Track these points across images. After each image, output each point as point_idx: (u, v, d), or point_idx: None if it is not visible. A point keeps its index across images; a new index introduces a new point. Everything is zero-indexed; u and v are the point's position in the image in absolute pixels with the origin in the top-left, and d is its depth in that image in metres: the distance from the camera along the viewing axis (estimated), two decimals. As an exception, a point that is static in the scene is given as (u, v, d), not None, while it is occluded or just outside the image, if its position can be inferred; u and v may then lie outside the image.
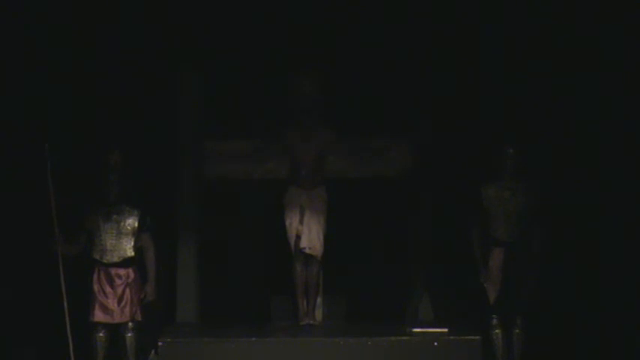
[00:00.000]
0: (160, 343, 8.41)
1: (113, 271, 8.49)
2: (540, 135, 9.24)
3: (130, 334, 8.47)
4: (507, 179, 8.75)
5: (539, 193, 8.73)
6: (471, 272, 8.74)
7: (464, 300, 9.04)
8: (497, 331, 8.65)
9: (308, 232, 9.22)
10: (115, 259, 8.50)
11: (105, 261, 8.50)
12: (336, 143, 9.41)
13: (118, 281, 8.48)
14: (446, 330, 8.61)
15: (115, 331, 8.50)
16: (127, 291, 8.47)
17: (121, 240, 8.51)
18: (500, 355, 8.65)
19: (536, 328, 8.76)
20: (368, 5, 9.38)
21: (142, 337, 8.54)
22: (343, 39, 9.46)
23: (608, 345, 8.92)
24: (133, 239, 8.54)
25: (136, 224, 8.55)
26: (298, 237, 9.25)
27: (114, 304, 8.45)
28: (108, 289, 8.47)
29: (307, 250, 9.24)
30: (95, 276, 8.50)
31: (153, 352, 8.51)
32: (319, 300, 9.45)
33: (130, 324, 8.47)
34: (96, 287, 8.47)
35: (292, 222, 9.27)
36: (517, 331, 8.65)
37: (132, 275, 8.52)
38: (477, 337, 8.48)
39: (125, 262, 8.51)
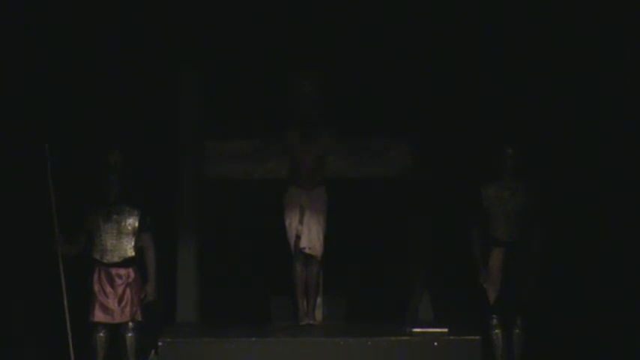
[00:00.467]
0: (160, 343, 8.41)
1: (113, 271, 8.49)
2: (540, 135, 9.24)
3: (130, 334, 8.47)
4: (507, 179, 8.75)
5: (539, 193, 8.73)
6: (471, 272, 8.74)
7: (464, 300, 9.04)
8: (497, 331, 8.65)
9: (308, 232, 9.22)
10: (116, 259, 8.50)
11: (105, 261, 8.50)
12: (336, 143, 9.41)
13: (118, 281, 8.48)
14: (446, 330, 8.61)
15: (115, 331, 8.50)
16: (128, 291, 8.48)
17: (122, 240, 8.52)
18: (500, 355, 8.65)
19: (536, 328, 8.76)
20: (368, 5, 9.38)
21: (142, 337, 8.54)
22: (343, 39, 9.46)
23: (608, 345, 8.92)
24: (133, 239, 8.54)
25: (137, 224, 8.55)
26: (298, 237, 9.25)
27: (114, 304, 8.45)
28: (108, 289, 8.47)
29: (307, 250, 9.24)
30: (95, 276, 8.50)
31: (153, 352, 8.51)
32: (319, 300, 9.45)
33: (131, 324, 8.47)
34: (96, 287, 8.48)
35: (292, 222, 9.27)
36: (517, 331, 8.65)
37: (132, 275, 8.52)
38: (477, 337, 8.48)
39: (125, 262, 8.51)
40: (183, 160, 9.61)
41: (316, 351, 8.47)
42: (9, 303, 8.99)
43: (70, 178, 8.78)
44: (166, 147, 9.53)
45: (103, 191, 8.56)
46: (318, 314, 9.45)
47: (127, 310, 8.46)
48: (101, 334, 8.46)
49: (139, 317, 8.50)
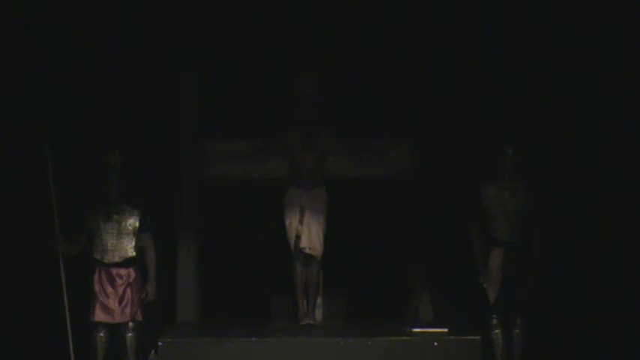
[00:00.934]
0: (160, 343, 8.40)
1: (114, 271, 8.49)
2: (540, 135, 9.24)
3: (130, 334, 8.47)
4: (507, 179, 8.75)
5: (539, 193, 8.74)
6: (471, 272, 8.74)
7: (464, 300, 9.04)
8: (497, 331, 8.65)
9: (308, 232, 9.22)
10: (116, 259, 8.50)
11: (106, 261, 8.50)
12: (336, 143, 9.41)
13: (118, 281, 8.49)
14: (446, 330, 8.61)
15: (116, 331, 8.50)
16: (128, 291, 8.48)
17: (122, 240, 8.52)
18: (500, 355, 8.65)
19: (536, 328, 8.76)
20: (368, 5, 9.38)
21: (142, 337, 8.54)
22: (343, 39, 9.46)
23: (608, 345, 8.92)
24: (133, 239, 8.54)
25: (137, 224, 8.55)
26: (298, 237, 9.25)
27: (115, 304, 8.45)
28: (109, 289, 8.48)
29: (307, 250, 9.24)
30: (96, 276, 8.50)
31: (153, 352, 8.51)
32: (319, 300, 9.45)
33: (131, 324, 8.47)
34: (97, 287, 8.48)
35: (292, 222, 9.27)
36: (517, 331, 8.65)
37: (133, 275, 8.52)
38: (477, 337, 8.47)
39: (126, 262, 8.51)
40: (183, 160, 9.61)
41: (316, 351, 8.47)
42: (9, 303, 8.99)
43: (70, 178, 8.78)
44: (166, 147, 9.53)
45: (103, 191, 8.56)
46: (318, 314, 9.45)
47: (128, 310, 8.46)
48: (101, 334, 8.46)
49: (139, 317, 8.50)
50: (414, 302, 9.57)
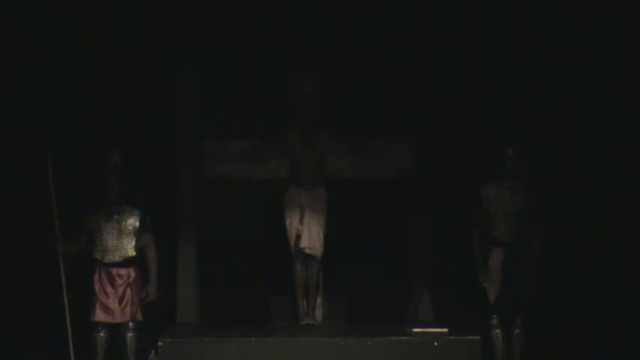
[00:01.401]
0: (160, 343, 8.41)
1: (114, 270, 8.49)
2: (540, 135, 9.24)
3: (130, 334, 8.47)
4: (507, 179, 8.75)
5: (539, 193, 8.74)
6: (471, 272, 8.74)
7: (464, 300, 9.04)
8: (497, 331, 8.65)
9: (308, 232, 9.22)
10: (116, 259, 8.50)
11: (106, 261, 8.50)
12: (336, 143, 9.41)
13: (119, 281, 8.49)
14: (446, 330, 8.61)
15: (116, 330, 8.50)
16: (128, 291, 8.48)
17: (122, 240, 8.52)
18: (500, 355, 8.65)
19: (536, 328, 8.76)
20: (368, 5, 9.38)
21: (142, 337, 8.54)
22: (343, 39, 9.46)
23: (608, 345, 8.92)
24: (134, 239, 8.54)
25: (137, 224, 8.55)
26: (298, 237, 9.25)
27: (115, 303, 8.45)
28: (109, 288, 8.48)
29: (307, 250, 9.24)
30: (96, 276, 8.50)
31: (153, 352, 8.51)
32: (319, 300, 9.45)
33: (131, 324, 8.47)
34: (97, 287, 8.48)
35: (292, 222, 9.27)
36: (517, 331, 8.66)
37: (133, 275, 8.52)
38: (477, 337, 8.48)
39: (126, 262, 8.51)
40: (183, 160, 9.61)
41: (316, 351, 8.47)
42: (9, 303, 8.99)
43: (70, 178, 8.78)
44: (166, 147, 9.53)
45: (103, 191, 8.56)
46: (318, 314, 9.45)
47: (128, 310, 8.46)
48: (101, 334, 8.46)
49: (139, 317, 8.50)
50: (414, 302, 9.57)
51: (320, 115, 9.37)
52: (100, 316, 8.44)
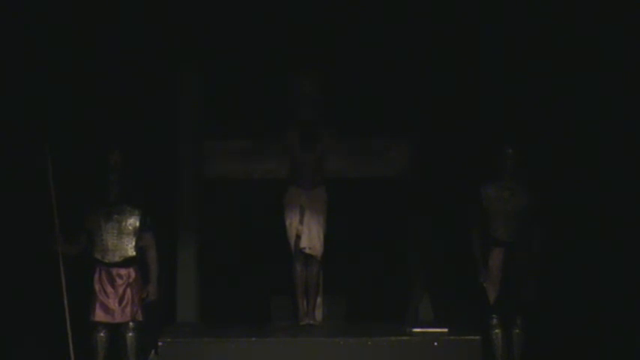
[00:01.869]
0: (160, 343, 8.41)
1: (114, 270, 8.50)
2: (540, 135, 9.24)
3: (130, 334, 8.47)
4: (507, 179, 8.75)
5: (539, 193, 8.74)
6: (471, 272, 8.74)
7: (464, 300, 9.04)
8: (497, 331, 8.66)
9: (308, 232, 9.23)
10: (117, 259, 8.50)
11: (106, 261, 8.50)
12: (336, 143, 9.41)
13: (119, 281, 8.49)
14: (446, 330, 8.61)
15: (116, 330, 8.50)
16: (128, 291, 8.48)
17: (122, 240, 8.52)
18: (500, 355, 8.66)
19: (536, 328, 8.76)
20: (368, 5, 9.37)
21: (142, 337, 8.54)
22: (343, 39, 9.46)
23: (608, 345, 8.92)
24: (134, 239, 8.54)
25: (137, 224, 8.56)
26: (298, 237, 9.25)
27: (115, 303, 8.45)
28: (109, 288, 8.48)
29: (307, 250, 9.25)
30: (96, 276, 8.51)
31: (153, 352, 8.51)
32: (319, 300, 9.45)
33: (131, 324, 8.47)
34: (97, 287, 8.48)
35: (292, 222, 9.27)
36: (517, 331, 8.66)
37: (133, 275, 8.52)
38: (477, 337, 8.48)
39: (126, 262, 8.52)
40: (183, 160, 9.61)
41: (316, 351, 8.48)
42: (9, 303, 8.99)
43: (70, 178, 8.78)
44: (166, 147, 9.53)
45: (103, 191, 8.57)
46: (318, 314, 9.45)
47: (128, 310, 8.46)
48: (101, 334, 8.46)
49: (139, 317, 8.51)
50: (414, 302, 9.57)
51: (320, 115, 9.37)
52: (100, 316, 8.44)
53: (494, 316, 8.67)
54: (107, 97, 9.38)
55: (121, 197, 8.57)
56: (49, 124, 8.93)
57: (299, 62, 9.47)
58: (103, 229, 8.52)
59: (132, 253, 8.54)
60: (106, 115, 9.36)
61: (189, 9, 9.34)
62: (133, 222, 8.56)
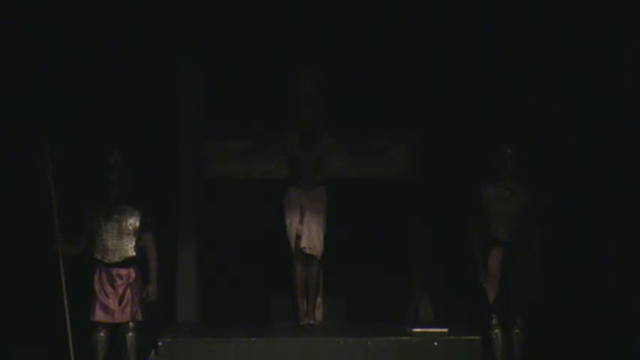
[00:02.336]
0: (160, 343, 8.41)
1: (114, 271, 8.50)
2: (540, 135, 9.24)
3: (130, 334, 8.47)
4: (507, 179, 8.75)
5: (539, 193, 8.74)
6: (471, 272, 8.74)
7: (464, 300, 9.04)
8: (497, 331, 8.65)
9: (308, 232, 9.23)
10: (117, 259, 8.50)
11: (106, 261, 8.50)
12: (336, 143, 9.42)
13: (119, 281, 8.49)
14: (446, 330, 8.61)
15: (116, 330, 8.50)
16: (128, 291, 8.48)
17: (123, 240, 8.52)
18: (500, 355, 8.65)
19: (536, 328, 8.76)
20: (368, 5, 9.38)
21: (142, 337, 8.54)
22: (343, 39, 9.46)
23: (608, 345, 8.92)
24: (134, 239, 8.54)
25: (137, 224, 8.55)
26: (298, 237, 9.26)
27: (115, 303, 8.45)
28: (109, 288, 8.48)
29: (307, 250, 9.25)
30: (96, 276, 8.51)
31: (153, 352, 8.51)
32: (319, 300, 9.45)
33: (131, 324, 8.47)
34: (97, 287, 8.48)
35: (292, 222, 9.28)
36: (517, 331, 8.66)
37: (133, 275, 8.52)
38: (477, 337, 8.48)
39: (126, 262, 8.51)
40: (183, 160, 9.61)
41: (316, 351, 8.47)
42: (9, 303, 8.99)
43: (70, 178, 8.78)
44: (166, 147, 9.53)
45: (103, 191, 8.57)
46: (318, 314, 9.45)
47: (128, 310, 8.46)
48: (101, 334, 8.46)
49: (139, 317, 8.50)
50: (414, 302, 9.57)
51: (320, 115, 9.37)
52: (100, 316, 8.44)
53: (494, 316, 8.67)
54: (107, 97, 9.38)
55: (121, 197, 8.57)
56: (49, 124, 8.93)
57: (299, 62, 9.47)
58: (103, 229, 8.52)
59: (132, 253, 8.54)
60: (106, 115, 9.36)
61: (189, 9, 9.34)
62: (133, 222, 8.56)
